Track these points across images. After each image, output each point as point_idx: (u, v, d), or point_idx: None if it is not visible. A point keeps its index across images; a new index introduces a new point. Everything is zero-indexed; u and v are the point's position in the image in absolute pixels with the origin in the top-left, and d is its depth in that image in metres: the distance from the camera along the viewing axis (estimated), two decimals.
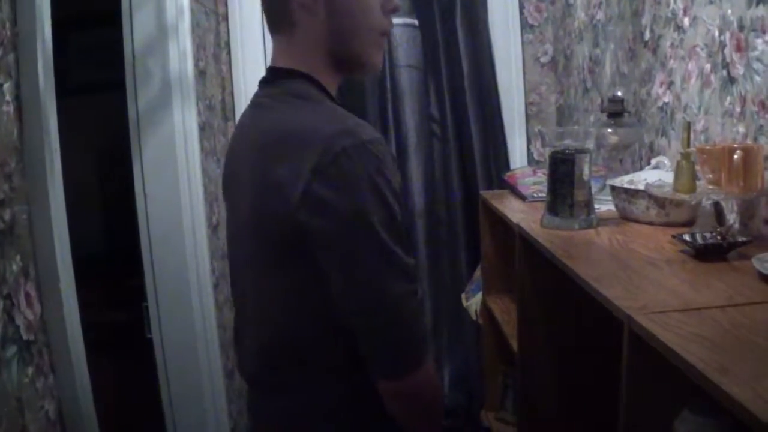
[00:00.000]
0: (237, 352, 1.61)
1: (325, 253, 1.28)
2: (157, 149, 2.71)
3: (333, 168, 1.22)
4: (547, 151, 1.93)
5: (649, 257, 1.57)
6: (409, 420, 1.40)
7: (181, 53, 2.72)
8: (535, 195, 2.43)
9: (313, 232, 1.26)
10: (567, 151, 1.89)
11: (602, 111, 2.34)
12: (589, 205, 1.90)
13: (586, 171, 1.89)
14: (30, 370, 1.54)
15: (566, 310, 1.93)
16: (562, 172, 1.89)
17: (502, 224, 2.38)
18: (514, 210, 2.31)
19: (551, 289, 1.93)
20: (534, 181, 2.57)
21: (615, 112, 2.29)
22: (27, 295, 1.55)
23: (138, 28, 2.69)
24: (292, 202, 1.24)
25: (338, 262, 1.28)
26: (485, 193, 2.71)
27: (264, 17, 1.48)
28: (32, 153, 1.60)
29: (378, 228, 1.24)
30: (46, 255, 1.62)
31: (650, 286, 1.37)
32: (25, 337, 1.53)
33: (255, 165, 1.35)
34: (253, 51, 3.51)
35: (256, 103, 1.47)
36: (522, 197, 2.48)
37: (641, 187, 1.89)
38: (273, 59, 1.45)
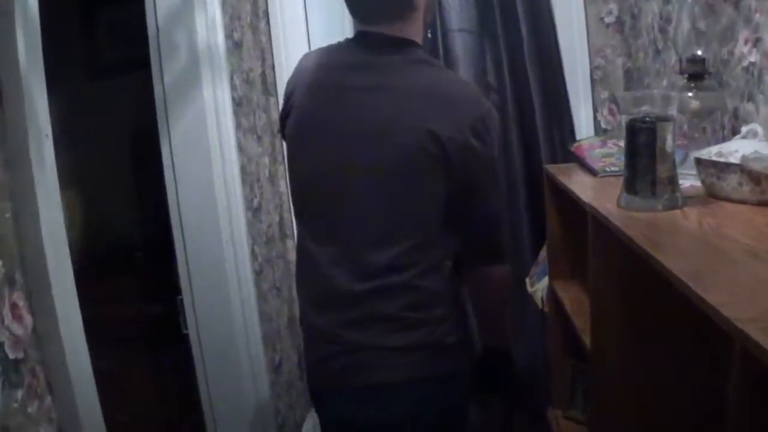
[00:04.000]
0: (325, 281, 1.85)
1: (464, 183, 1.75)
2: (186, 129, 2.49)
3: (480, 126, 1.72)
4: (623, 120, 1.65)
5: (749, 246, 1.28)
6: (495, 301, 2.00)
7: (210, 23, 2.49)
8: (608, 169, 2.14)
9: (462, 169, 1.72)
10: (647, 119, 1.60)
11: (681, 72, 2.04)
12: (673, 181, 1.62)
13: (669, 142, 1.61)
14: (19, 394, 1.31)
15: (648, 302, 1.66)
16: (642, 144, 1.61)
17: (570, 202, 2.10)
18: (584, 187, 2.03)
19: (630, 278, 1.66)
20: (604, 153, 2.29)
21: (696, 73, 1.99)
22: (13, 306, 1.31)
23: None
24: (451, 146, 1.68)
25: (474, 189, 1.79)
26: (551, 168, 2.42)
27: (371, 13, 1.78)
28: (14, 141, 1.36)
29: (498, 166, 1.86)
30: (35, 259, 1.38)
31: (760, 287, 1.09)
32: (11, 356, 1.29)
33: (401, 110, 1.72)
34: (294, 20, 3.25)
35: (371, 64, 1.78)
36: (592, 172, 2.19)
37: (733, 160, 1.61)
38: (378, 30, 1.77)
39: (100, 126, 3.62)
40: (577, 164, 2.38)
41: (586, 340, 1.94)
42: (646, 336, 1.70)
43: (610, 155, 2.26)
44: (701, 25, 2.31)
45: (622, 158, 2.21)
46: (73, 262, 1.51)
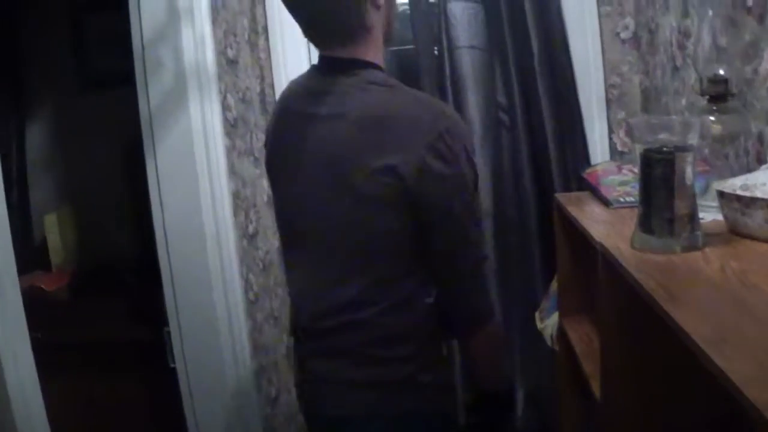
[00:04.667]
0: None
1: (429, 211, 1.58)
2: (172, 151, 2.36)
3: (441, 144, 1.54)
4: (638, 148, 1.49)
5: None
6: (486, 360, 1.85)
7: (198, 38, 2.35)
8: (622, 200, 1.97)
9: (423, 196, 1.55)
10: (664, 149, 1.43)
11: (701, 94, 1.87)
12: (693, 218, 1.44)
13: (689, 174, 1.43)
14: None
15: (661, 351, 1.49)
16: (658, 177, 1.44)
17: (581, 235, 1.94)
18: (595, 220, 1.85)
19: (643, 325, 1.49)
20: (620, 181, 2.11)
21: (718, 94, 1.82)
22: None
23: (147, 10, 2.32)
24: (407, 173, 1.53)
25: (440, 218, 1.60)
26: (561, 197, 2.23)
27: (323, 38, 1.68)
28: None
29: (470, 189, 1.61)
30: None
31: None
32: None
33: (353, 144, 1.59)
34: (294, 36, 3.09)
35: (325, 90, 1.66)
36: (605, 202, 2.00)
37: (760, 194, 1.44)
38: (332, 54, 1.67)
39: (93, 140, 3.51)
40: (590, 192, 2.21)
41: (595, 385, 1.77)
42: (659, 385, 1.53)
43: (625, 183, 2.09)
44: (722, 41, 2.15)
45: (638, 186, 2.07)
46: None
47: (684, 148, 1.43)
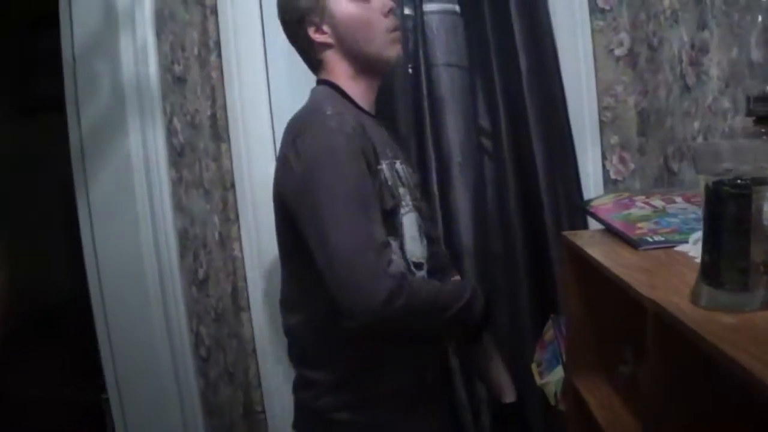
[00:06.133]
0: None
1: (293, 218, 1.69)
2: (107, 184, 1.99)
3: (299, 140, 1.65)
4: (703, 181, 1.16)
5: None
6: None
7: (140, 51, 2.00)
8: (650, 239, 1.62)
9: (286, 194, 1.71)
10: (739, 181, 1.10)
11: (748, 114, 1.55)
12: None
13: (766, 213, 1.11)
14: None
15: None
16: (731, 217, 1.11)
17: (595, 278, 1.60)
18: (626, 266, 1.46)
19: (713, 405, 1.17)
20: (638, 216, 1.78)
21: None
22: None
23: (79, 16, 1.96)
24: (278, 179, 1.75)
25: (302, 218, 1.66)
26: (570, 236, 1.88)
27: None
28: None
29: (328, 189, 1.61)
30: None
31: None
32: None
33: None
34: (250, 53, 2.74)
35: None
36: (632, 243, 1.66)
37: None
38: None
39: (31, 168, 3.15)
40: (605, 230, 1.87)
41: None
42: None
43: (645, 218, 1.76)
44: (756, 54, 1.84)
45: (664, 223, 1.74)
46: None
47: (761, 180, 1.11)
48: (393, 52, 1.87)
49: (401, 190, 1.86)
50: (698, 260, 1.26)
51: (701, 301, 1.15)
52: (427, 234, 2.03)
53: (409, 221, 1.87)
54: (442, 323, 1.84)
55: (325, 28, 1.83)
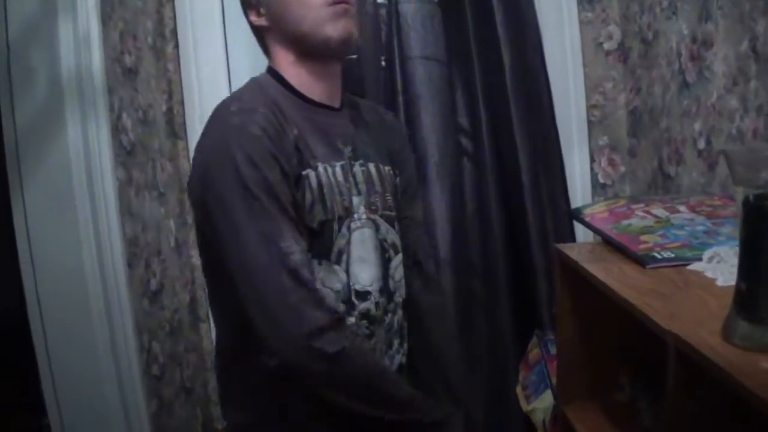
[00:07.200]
0: None
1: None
2: (44, 187, 1.80)
3: (199, 141, 1.49)
4: (741, 193, 0.96)
5: None
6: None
7: (82, 39, 1.79)
8: (658, 255, 1.43)
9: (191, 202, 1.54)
10: None
11: None
12: None
13: None
14: None
15: None
16: None
17: (594, 299, 1.45)
18: (634, 288, 1.28)
19: None
20: (641, 228, 1.59)
21: None
22: None
23: (13, 4, 1.76)
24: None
25: (205, 231, 1.49)
26: (564, 249, 1.69)
27: None
28: None
29: (222, 200, 1.40)
30: None
31: None
32: None
33: None
34: (209, 44, 2.56)
35: None
36: (637, 260, 1.46)
37: None
38: None
39: None
40: (596, 242, 1.68)
41: None
42: None
43: (648, 230, 1.57)
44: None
45: (670, 236, 1.54)
46: None
47: None
48: (333, 29, 1.56)
49: (355, 199, 1.59)
50: (719, 282, 1.08)
51: (735, 337, 0.96)
52: (393, 255, 1.70)
53: (359, 238, 1.59)
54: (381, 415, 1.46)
55: (262, 10, 1.62)
